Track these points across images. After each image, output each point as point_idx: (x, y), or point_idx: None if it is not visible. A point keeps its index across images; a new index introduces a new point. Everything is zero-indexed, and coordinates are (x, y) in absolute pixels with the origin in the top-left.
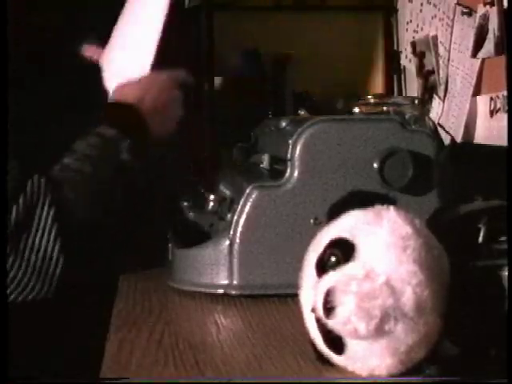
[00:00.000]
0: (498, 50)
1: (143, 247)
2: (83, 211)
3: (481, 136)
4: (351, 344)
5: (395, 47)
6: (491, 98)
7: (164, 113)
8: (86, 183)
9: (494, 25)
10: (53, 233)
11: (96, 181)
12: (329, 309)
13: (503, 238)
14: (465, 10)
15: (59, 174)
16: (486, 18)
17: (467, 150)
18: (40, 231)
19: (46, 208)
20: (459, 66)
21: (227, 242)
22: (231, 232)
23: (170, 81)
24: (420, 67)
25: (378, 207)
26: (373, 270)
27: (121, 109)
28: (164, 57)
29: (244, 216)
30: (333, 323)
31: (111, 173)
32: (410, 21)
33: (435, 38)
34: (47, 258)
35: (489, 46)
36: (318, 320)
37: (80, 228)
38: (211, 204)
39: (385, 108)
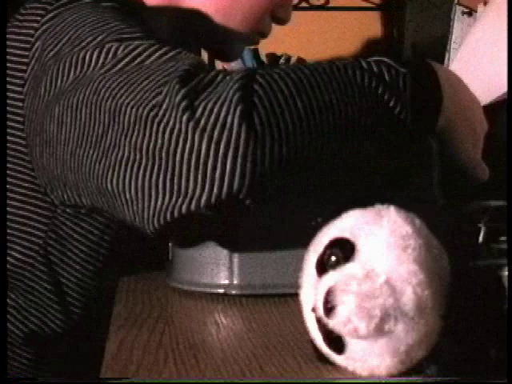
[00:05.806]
0: None
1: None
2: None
3: None
4: (351, 344)
5: (396, 47)
6: None
7: (473, 133)
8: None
9: None
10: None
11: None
12: (329, 308)
13: (503, 238)
14: (465, 10)
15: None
16: None
17: None
18: None
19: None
20: None
21: (227, 242)
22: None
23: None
24: None
25: (377, 207)
26: (373, 270)
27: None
28: None
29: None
30: (333, 323)
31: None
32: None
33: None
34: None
35: None
36: (319, 320)
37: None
38: None
39: None
